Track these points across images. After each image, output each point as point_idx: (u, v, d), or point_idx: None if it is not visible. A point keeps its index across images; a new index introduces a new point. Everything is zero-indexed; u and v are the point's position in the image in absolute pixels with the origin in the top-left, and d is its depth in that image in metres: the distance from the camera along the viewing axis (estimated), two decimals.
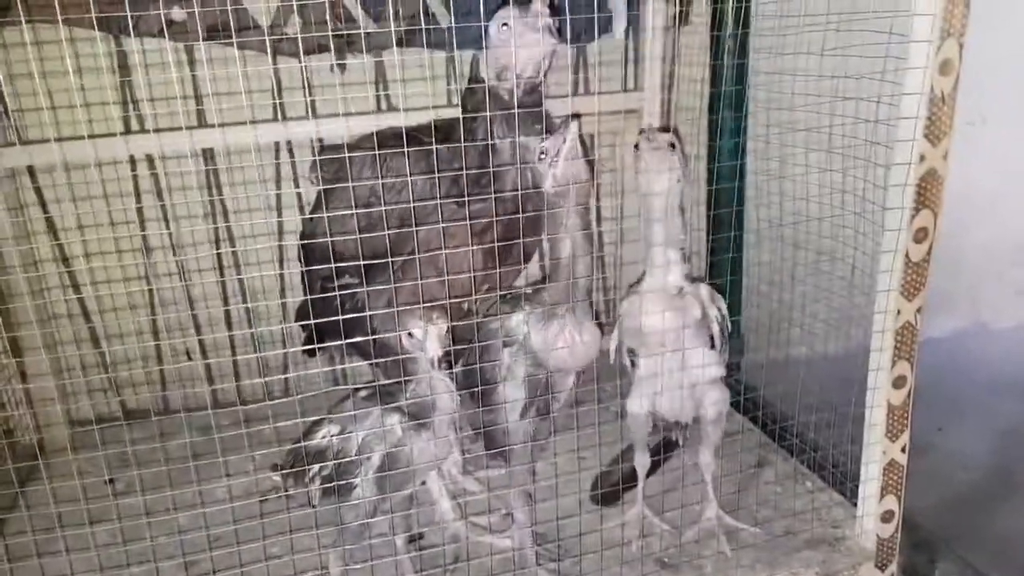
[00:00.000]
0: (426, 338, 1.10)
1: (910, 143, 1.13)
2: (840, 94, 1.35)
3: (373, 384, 1.15)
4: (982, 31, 2.25)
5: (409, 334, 1.11)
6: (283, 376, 1.92)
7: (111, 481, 1.50)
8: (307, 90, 1.82)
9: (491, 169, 1.22)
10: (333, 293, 1.16)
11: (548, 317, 1.22)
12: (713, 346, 1.33)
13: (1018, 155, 2.58)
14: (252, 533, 1.20)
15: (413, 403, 1.14)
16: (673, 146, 1.26)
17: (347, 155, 1.22)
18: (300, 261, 1.40)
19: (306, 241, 1.37)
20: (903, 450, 1.30)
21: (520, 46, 1.19)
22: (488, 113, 1.22)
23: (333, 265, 1.10)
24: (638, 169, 1.27)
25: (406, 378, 1.14)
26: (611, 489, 1.51)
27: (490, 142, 1.25)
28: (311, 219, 1.42)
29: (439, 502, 1.41)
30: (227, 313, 1.92)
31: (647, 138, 1.26)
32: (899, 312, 1.21)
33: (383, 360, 1.16)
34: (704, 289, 1.32)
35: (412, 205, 1.19)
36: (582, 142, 1.18)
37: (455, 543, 1.36)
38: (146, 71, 1.74)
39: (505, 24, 1.22)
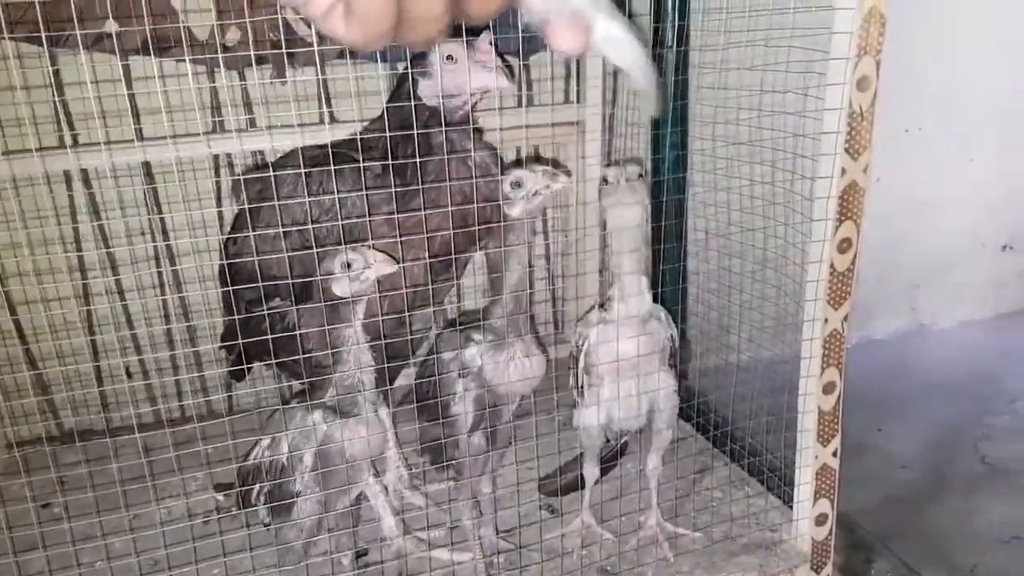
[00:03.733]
0: (365, 261, 1.10)
1: (832, 157, 1.17)
2: (770, 109, 1.39)
3: (304, 402, 1.14)
4: (911, 41, 2.34)
5: (348, 264, 1.10)
6: (226, 394, 1.91)
7: (46, 506, 1.46)
8: (246, 106, 1.81)
9: (444, 184, 1.23)
10: (261, 314, 1.15)
11: (499, 345, 1.24)
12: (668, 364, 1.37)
13: (952, 161, 2.68)
14: (193, 555, 1.18)
15: (339, 392, 1.14)
16: (642, 176, 1.27)
17: (272, 174, 1.21)
18: (225, 282, 1.39)
19: (233, 261, 1.36)
20: (835, 454, 1.33)
21: (468, 81, 1.23)
22: (416, 130, 1.23)
23: (261, 284, 1.09)
24: (607, 204, 1.27)
25: (335, 350, 1.14)
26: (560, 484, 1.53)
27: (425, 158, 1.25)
28: (235, 241, 1.41)
29: (383, 518, 1.41)
30: (168, 332, 1.89)
31: (620, 174, 1.26)
32: (826, 320, 1.25)
33: (315, 379, 1.15)
34: (663, 313, 1.35)
35: (341, 223, 1.19)
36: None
37: (399, 559, 1.36)
38: (60, 86, 1.71)
39: (450, 57, 1.25)
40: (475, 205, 1.22)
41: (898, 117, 2.52)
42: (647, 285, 1.30)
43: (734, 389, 1.42)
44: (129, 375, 1.89)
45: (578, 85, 1.98)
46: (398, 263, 1.14)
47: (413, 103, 1.10)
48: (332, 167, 1.16)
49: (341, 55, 1.81)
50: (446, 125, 1.22)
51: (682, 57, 1.80)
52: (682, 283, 1.89)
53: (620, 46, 0.46)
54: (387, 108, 1.23)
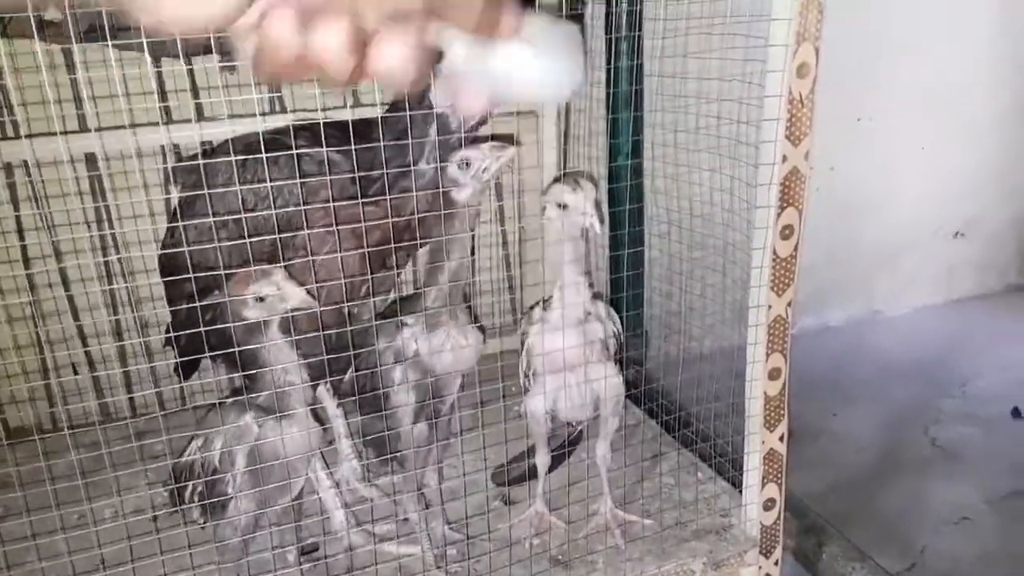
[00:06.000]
0: (281, 289, 1.07)
1: (772, 144, 1.17)
2: (715, 96, 1.39)
3: (238, 400, 1.12)
4: (864, 31, 2.36)
5: (259, 299, 1.07)
6: (178, 385, 1.86)
7: None
8: (194, 95, 1.77)
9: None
10: (199, 309, 1.13)
11: (432, 326, 1.23)
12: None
13: (905, 150, 2.72)
14: (136, 553, 1.15)
15: (266, 395, 1.12)
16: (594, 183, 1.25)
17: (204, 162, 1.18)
18: (165, 276, 1.36)
19: (168, 251, 1.33)
20: (781, 439, 1.34)
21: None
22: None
23: (193, 275, 1.06)
24: (551, 227, 1.26)
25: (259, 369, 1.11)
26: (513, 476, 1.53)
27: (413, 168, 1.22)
28: (172, 232, 1.38)
29: (332, 513, 1.39)
30: (116, 323, 1.85)
31: (562, 202, 1.24)
32: (770, 307, 1.26)
33: (249, 374, 1.13)
34: (602, 308, 1.35)
35: (275, 211, 1.17)
36: None
37: (347, 553, 1.35)
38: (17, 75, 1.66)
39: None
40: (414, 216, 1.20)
41: (850, 107, 2.56)
42: (586, 284, 1.30)
43: (681, 376, 1.42)
44: (76, 371, 1.84)
45: None
46: (314, 298, 1.11)
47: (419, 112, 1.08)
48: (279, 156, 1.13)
49: None
50: (441, 133, 1.19)
51: (636, 42, 1.79)
52: (640, 271, 1.89)
53: (528, 74, 0.44)
54: (383, 118, 1.21)
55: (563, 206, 1.24)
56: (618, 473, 1.45)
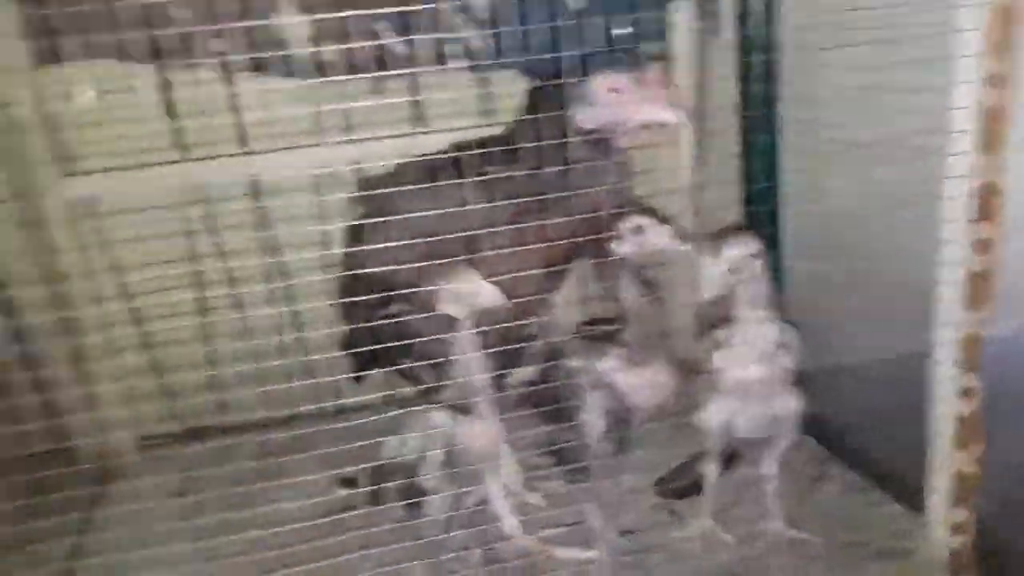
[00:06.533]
0: (477, 287, 1.15)
1: (961, 156, 1.15)
2: (885, 108, 1.36)
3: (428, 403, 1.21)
4: None
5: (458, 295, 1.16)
6: (338, 401, 1.95)
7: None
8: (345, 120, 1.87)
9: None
10: (384, 321, 1.20)
11: (634, 361, 1.29)
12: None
13: None
14: (327, 551, 1.23)
15: (455, 392, 1.20)
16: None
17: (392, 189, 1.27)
18: (347, 291, 1.43)
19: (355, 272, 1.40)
20: (975, 460, 1.29)
21: (636, 114, 1.27)
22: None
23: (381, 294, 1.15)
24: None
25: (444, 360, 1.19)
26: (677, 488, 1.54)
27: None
28: (361, 250, 1.45)
29: (504, 519, 1.43)
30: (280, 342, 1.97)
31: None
32: (962, 324, 1.22)
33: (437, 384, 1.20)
34: (793, 337, 1.34)
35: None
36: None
37: (523, 558, 1.38)
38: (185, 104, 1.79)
39: (615, 90, 1.27)
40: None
41: None
42: (765, 315, 1.29)
43: (845, 395, 1.40)
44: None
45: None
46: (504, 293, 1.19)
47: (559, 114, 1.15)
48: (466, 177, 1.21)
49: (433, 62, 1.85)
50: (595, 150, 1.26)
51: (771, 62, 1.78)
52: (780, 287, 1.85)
53: None
54: (520, 121, 1.27)
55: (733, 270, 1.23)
56: (784, 491, 1.43)
